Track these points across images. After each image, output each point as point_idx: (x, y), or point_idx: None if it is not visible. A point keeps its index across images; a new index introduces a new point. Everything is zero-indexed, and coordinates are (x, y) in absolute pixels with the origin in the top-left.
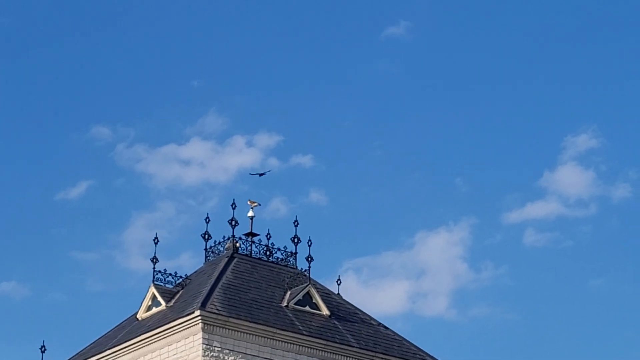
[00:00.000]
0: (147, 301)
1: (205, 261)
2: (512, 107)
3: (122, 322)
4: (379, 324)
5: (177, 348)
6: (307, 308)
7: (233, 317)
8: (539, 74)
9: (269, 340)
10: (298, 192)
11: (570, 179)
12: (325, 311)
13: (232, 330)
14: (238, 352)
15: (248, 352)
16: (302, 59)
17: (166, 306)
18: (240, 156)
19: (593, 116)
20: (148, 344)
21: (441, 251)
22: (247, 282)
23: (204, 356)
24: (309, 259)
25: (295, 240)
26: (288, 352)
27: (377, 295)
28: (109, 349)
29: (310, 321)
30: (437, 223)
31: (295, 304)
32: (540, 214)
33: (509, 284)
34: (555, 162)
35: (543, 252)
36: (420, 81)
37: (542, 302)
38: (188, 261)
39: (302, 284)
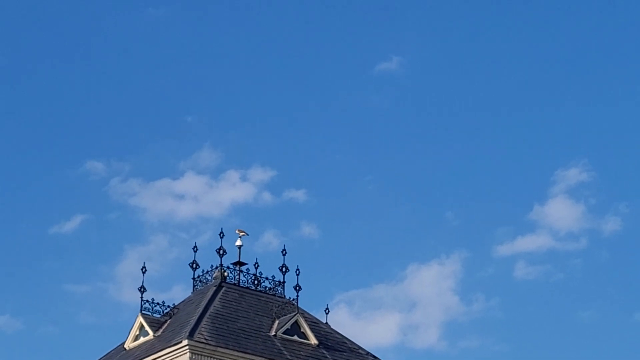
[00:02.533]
0: (134, 330)
1: (193, 290)
2: (503, 141)
3: (110, 351)
4: (368, 353)
5: None
6: (295, 337)
7: (221, 347)
8: (530, 107)
9: None
10: (290, 226)
11: (561, 212)
12: (313, 340)
13: (220, 359)
14: None
15: None
16: (295, 93)
17: (154, 336)
18: (234, 190)
19: (583, 150)
20: None
21: (432, 284)
22: (235, 311)
23: None
24: (297, 288)
25: (284, 269)
26: None
27: (369, 328)
28: None
29: (299, 350)
30: (429, 256)
31: (284, 333)
32: (531, 247)
33: (499, 316)
34: (546, 195)
35: (534, 285)
36: (411, 115)
37: (532, 334)
38: (177, 291)
39: (290, 313)
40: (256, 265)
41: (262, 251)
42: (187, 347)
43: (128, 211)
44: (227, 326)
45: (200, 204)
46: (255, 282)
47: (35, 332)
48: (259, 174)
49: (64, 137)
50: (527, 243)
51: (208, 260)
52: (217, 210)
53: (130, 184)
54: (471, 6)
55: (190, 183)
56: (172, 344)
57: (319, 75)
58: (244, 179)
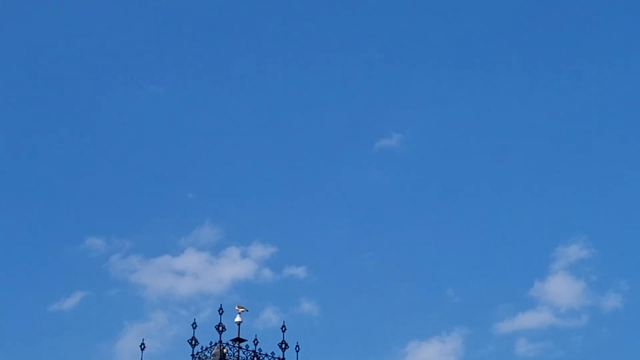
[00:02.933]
0: None
1: None
2: (503, 218)
3: None
4: None
5: None
6: None
7: None
8: (530, 184)
9: None
10: (290, 302)
11: (561, 289)
12: None
13: None
14: None
15: None
16: (295, 169)
17: None
18: (235, 267)
19: (584, 227)
20: None
21: None
22: None
23: None
24: None
25: (283, 345)
26: None
27: None
28: None
29: None
30: (430, 333)
31: None
32: (531, 324)
33: None
34: (547, 272)
35: None
36: (411, 192)
37: None
38: None
39: None
40: (255, 342)
41: (262, 328)
42: None
43: (128, 288)
44: None
45: (201, 281)
46: (255, 358)
47: None
48: (260, 251)
49: (64, 214)
50: (528, 320)
51: (207, 337)
52: (217, 287)
53: (131, 261)
54: (470, 84)
55: (190, 260)
56: None
57: (319, 151)
58: (244, 255)
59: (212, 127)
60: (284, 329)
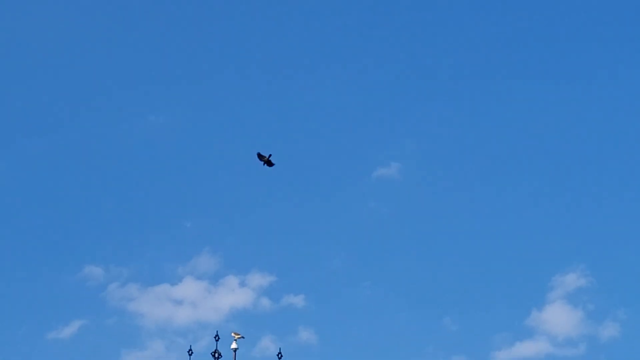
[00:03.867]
0: None
1: None
2: (500, 247)
3: None
4: None
5: None
6: None
7: None
8: (527, 213)
9: None
10: (287, 331)
11: (559, 318)
12: None
13: None
14: None
15: None
16: (293, 198)
17: None
18: (233, 296)
19: (581, 255)
20: None
21: None
22: None
23: None
24: None
25: None
26: None
27: None
28: None
29: None
30: None
31: None
32: (529, 353)
33: None
34: (544, 301)
35: None
36: (409, 221)
37: None
38: None
39: None
40: None
41: (259, 356)
42: None
43: (126, 316)
44: None
45: (199, 310)
46: None
47: None
48: (258, 279)
49: (62, 243)
50: (526, 349)
51: None
52: (215, 316)
53: (129, 289)
54: (469, 113)
55: (189, 288)
56: None
57: (317, 180)
58: (242, 284)
59: (210, 157)
60: (280, 355)
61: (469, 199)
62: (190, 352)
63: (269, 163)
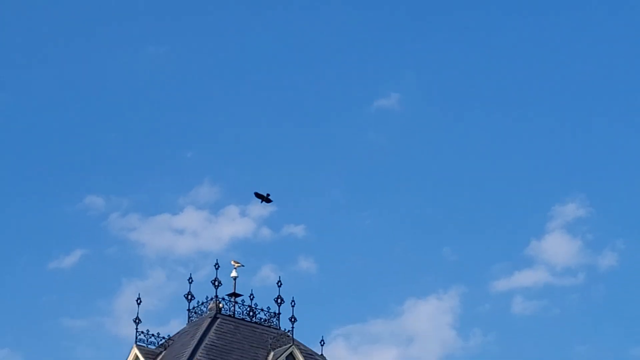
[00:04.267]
0: None
1: (188, 322)
2: (500, 177)
3: None
4: None
5: None
6: None
7: None
8: (527, 143)
9: None
10: (287, 260)
11: (558, 247)
12: None
13: None
14: None
15: None
16: (293, 129)
17: None
18: (234, 226)
19: (581, 185)
20: None
21: (430, 319)
22: (230, 343)
23: None
24: (292, 319)
25: (279, 300)
26: None
27: None
28: None
29: None
30: (427, 291)
31: None
32: (528, 283)
33: (496, 351)
34: (543, 230)
35: (530, 319)
36: (409, 151)
37: None
38: (173, 324)
39: (285, 345)
40: (251, 297)
41: (259, 285)
42: None
43: (127, 246)
44: (222, 358)
45: (200, 239)
46: (251, 313)
47: None
48: (259, 209)
49: (63, 173)
50: (524, 278)
51: (204, 293)
52: (216, 245)
53: (130, 219)
54: (469, 43)
55: (189, 218)
56: None
57: (317, 111)
58: (243, 214)
59: (211, 87)
60: (279, 284)
61: (468, 130)
62: (190, 280)
63: (267, 200)
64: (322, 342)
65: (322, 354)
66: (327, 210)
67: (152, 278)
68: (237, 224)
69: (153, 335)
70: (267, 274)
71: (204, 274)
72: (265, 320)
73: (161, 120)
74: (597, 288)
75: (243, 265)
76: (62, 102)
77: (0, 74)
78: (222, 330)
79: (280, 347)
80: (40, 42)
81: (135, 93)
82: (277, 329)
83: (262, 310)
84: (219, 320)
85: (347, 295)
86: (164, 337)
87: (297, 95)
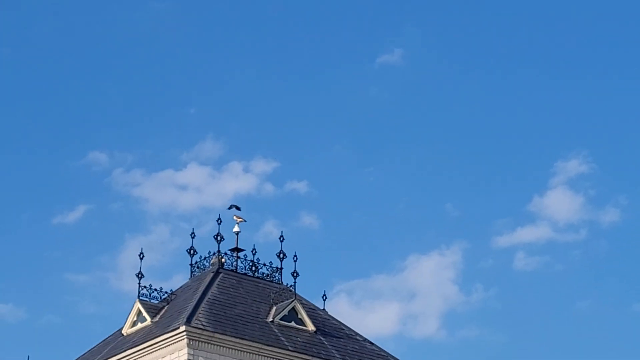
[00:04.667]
0: (132, 316)
1: (191, 276)
2: (503, 133)
3: (108, 337)
4: (365, 339)
5: None
6: (293, 323)
7: (218, 333)
8: (530, 99)
9: (254, 355)
10: (290, 216)
11: (560, 203)
12: (310, 327)
13: (217, 345)
14: None
15: None
16: (296, 85)
17: (151, 321)
18: (237, 182)
19: (584, 141)
20: (133, 359)
21: (432, 274)
22: (233, 298)
23: None
24: (295, 274)
25: (281, 255)
26: None
27: (369, 317)
28: None
29: (296, 337)
30: (429, 247)
31: (281, 319)
32: (530, 238)
33: (498, 307)
34: (545, 187)
35: (533, 275)
36: (412, 107)
37: (529, 324)
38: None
39: (287, 300)
40: (254, 252)
41: (262, 240)
42: (184, 333)
43: (131, 201)
44: (225, 312)
45: (203, 195)
46: (253, 268)
47: (38, 321)
48: (262, 166)
49: (67, 129)
50: (527, 234)
51: (206, 248)
52: (219, 201)
53: (133, 175)
54: (472, 0)
55: (193, 174)
56: (170, 330)
57: (320, 67)
58: (246, 170)
59: (214, 43)
60: (282, 239)
61: (471, 86)
62: (192, 235)
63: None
64: (324, 297)
65: (324, 309)
66: (330, 167)
67: (155, 234)
68: (240, 180)
69: (155, 290)
70: (270, 230)
71: (207, 229)
72: (267, 275)
73: (164, 76)
74: (600, 244)
75: (245, 221)
76: (65, 57)
77: (3, 29)
78: (225, 285)
79: (282, 301)
80: None
81: (139, 49)
82: (279, 283)
83: (264, 265)
84: (221, 275)
85: (350, 250)
86: (166, 292)
87: (299, 51)
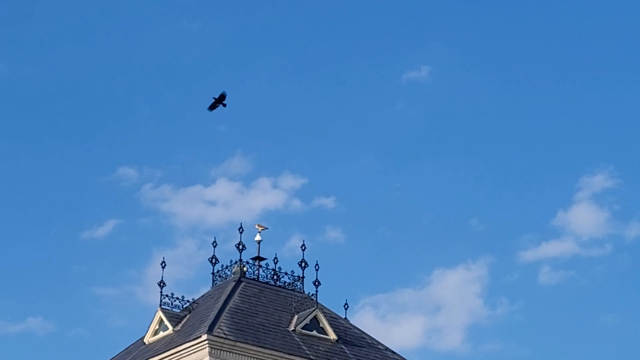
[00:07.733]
0: (154, 325)
1: (213, 285)
2: (528, 147)
3: (129, 346)
4: (387, 348)
5: None
6: (315, 332)
7: (240, 342)
8: (556, 113)
9: None
10: (316, 231)
11: (585, 218)
12: (332, 335)
13: (239, 354)
14: None
15: None
16: (324, 102)
17: (173, 330)
18: (265, 197)
19: (609, 157)
20: None
21: (457, 288)
22: (254, 306)
23: None
24: (316, 283)
25: (303, 264)
26: None
27: (394, 330)
28: None
29: (318, 345)
30: (455, 261)
31: (303, 328)
32: (555, 253)
33: (523, 320)
34: (570, 201)
35: (557, 289)
36: (438, 124)
37: (554, 338)
38: (198, 287)
39: (309, 308)
40: (275, 261)
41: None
42: (206, 341)
43: (159, 216)
44: (246, 321)
45: (231, 210)
46: (275, 277)
47: (67, 334)
48: (290, 181)
49: (97, 145)
50: (552, 249)
51: (228, 257)
52: (247, 217)
53: (162, 190)
54: (500, 17)
55: (221, 190)
56: (192, 338)
57: (348, 84)
58: (274, 186)
59: (243, 62)
60: (303, 247)
61: (497, 103)
62: (214, 244)
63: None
64: (346, 306)
65: (345, 318)
66: (357, 182)
67: (182, 247)
68: (268, 196)
69: (177, 298)
70: (295, 244)
71: (233, 242)
72: (289, 284)
73: (195, 93)
74: (624, 259)
75: (267, 228)
76: (96, 75)
77: (37, 48)
78: (246, 294)
79: (304, 310)
80: (75, 16)
81: (169, 67)
82: (301, 292)
83: (286, 274)
84: (243, 283)
85: (376, 264)
86: (188, 301)
87: (327, 68)
